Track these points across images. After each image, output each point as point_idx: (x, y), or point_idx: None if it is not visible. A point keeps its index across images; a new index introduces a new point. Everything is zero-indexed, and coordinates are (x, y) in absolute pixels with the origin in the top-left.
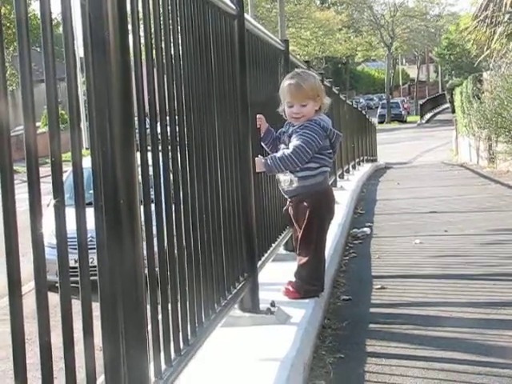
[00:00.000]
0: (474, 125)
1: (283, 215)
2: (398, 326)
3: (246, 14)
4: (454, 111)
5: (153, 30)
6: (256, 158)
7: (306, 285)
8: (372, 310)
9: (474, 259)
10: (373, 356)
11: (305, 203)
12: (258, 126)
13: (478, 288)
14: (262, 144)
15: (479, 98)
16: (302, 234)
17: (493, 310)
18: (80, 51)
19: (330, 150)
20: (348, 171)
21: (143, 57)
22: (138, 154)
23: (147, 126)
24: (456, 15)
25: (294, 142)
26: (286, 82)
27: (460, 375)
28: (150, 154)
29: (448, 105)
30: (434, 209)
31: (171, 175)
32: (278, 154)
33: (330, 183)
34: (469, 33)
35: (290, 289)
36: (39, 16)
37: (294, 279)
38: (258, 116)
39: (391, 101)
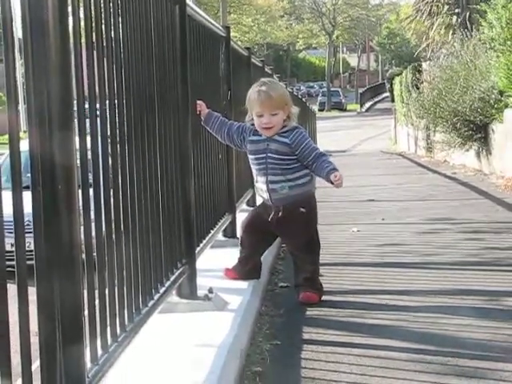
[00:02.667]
0: (412, 114)
1: (257, 217)
2: (335, 314)
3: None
4: (393, 100)
5: (93, 12)
6: (339, 176)
7: (320, 285)
8: None
9: (410, 248)
10: (309, 343)
11: (301, 209)
12: (198, 113)
13: (413, 276)
14: (206, 127)
15: (418, 88)
16: (308, 238)
17: (427, 298)
18: (19, 32)
19: None
20: None
21: (83, 39)
22: (77, 138)
23: (86, 110)
24: (396, 5)
25: (312, 149)
26: (254, 91)
27: (394, 362)
28: (88, 138)
29: (388, 94)
30: (372, 197)
31: (110, 159)
32: (328, 161)
33: None
34: (408, 22)
35: (312, 294)
36: None
37: (301, 281)
38: (197, 102)
39: (331, 89)
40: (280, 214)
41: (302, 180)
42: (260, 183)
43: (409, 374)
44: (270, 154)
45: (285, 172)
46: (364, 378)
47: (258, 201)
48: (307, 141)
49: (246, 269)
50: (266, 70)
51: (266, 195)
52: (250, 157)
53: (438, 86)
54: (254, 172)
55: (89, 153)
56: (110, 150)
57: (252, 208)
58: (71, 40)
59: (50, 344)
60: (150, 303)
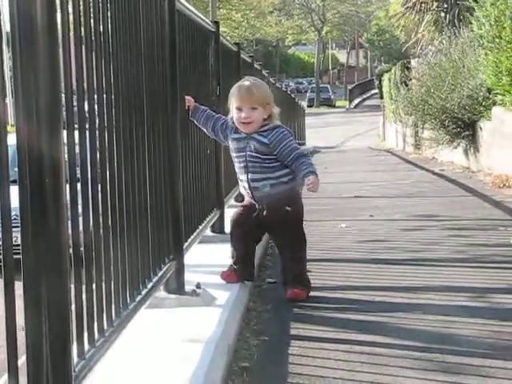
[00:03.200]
0: (401, 111)
1: (243, 216)
2: (323, 310)
3: None
4: (382, 97)
5: (81, 6)
6: (312, 180)
7: (307, 281)
8: None
9: (397, 244)
10: (297, 339)
11: (288, 207)
12: (186, 108)
13: (400, 273)
14: (193, 120)
15: (407, 85)
16: (294, 236)
17: (414, 295)
18: (7, 25)
19: None
20: None
21: (71, 34)
22: (65, 132)
23: (74, 104)
24: (386, 1)
25: (291, 149)
26: (235, 87)
27: (381, 358)
28: (76, 133)
29: (376, 90)
30: (361, 193)
31: (98, 154)
32: (307, 163)
33: None
34: (398, 19)
35: (299, 291)
36: None
37: (289, 278)
38: (186, 97)
39: (320, 85)
40: (265, 212)
41: (285, 178)
42: (243, 181)
43: (395, 370)
44: (249, 153)
45: (265, 170)
46: (351, 373)
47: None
48: (287, 140)
49: (241, 270)
50: (256, 65)
51: (248, 193)
52: (232, 154)
53: (426, 83)
54: (237, 170)
55: (77, 147)
56: (97, 145)
57: (240, 203)
58: (59, 34)
59: (37, 339)
60: (138, 298)
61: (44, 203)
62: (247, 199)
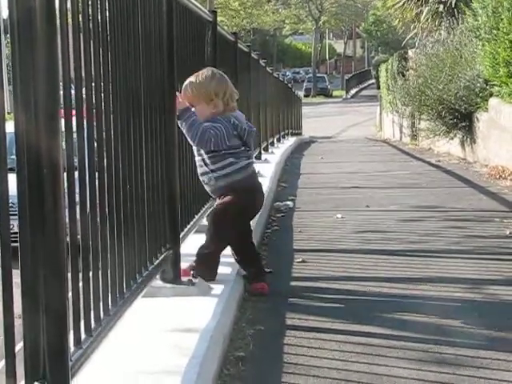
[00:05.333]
0: (397, 102)
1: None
2: (318, 300)
3: None
4: (379, 87)
5: None
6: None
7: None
8: (292, 283)
9: (394, 235)
10: (292, 329)
11: (228, 196)
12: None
13: (396, 263)
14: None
15: (404, 76)
16: (214, 211)
17: (409, 286)
18: (4, 13)
19: (243, 148)
20: (272, 144)
21: (69, 22)
22: (63, 121)
23: (72, 93)
24: None
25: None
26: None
27: (376, 349)
28: (74, 122)
29: (373, 80)
30: (357, 184)
31: (95, 143)
32: (196, 123)
33: (255, 170)
34: (395, 10)
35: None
36: None
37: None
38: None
39: (317, 75)
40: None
41: (225, 170)
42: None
43: (390, 361)
44: (194, 147)
45: (207, 163)
46: (346, 364)
47: None
48: (213, 124)
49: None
50: (253, 55)
51: (206, 187)
52: None
53: (423, 73)
54: None
55: (74, 136)
56: (95, 134)
57: None
58: (57, 21)
59: (34, 327)
60: (134, 287)
61: (41, 191)
62: None
